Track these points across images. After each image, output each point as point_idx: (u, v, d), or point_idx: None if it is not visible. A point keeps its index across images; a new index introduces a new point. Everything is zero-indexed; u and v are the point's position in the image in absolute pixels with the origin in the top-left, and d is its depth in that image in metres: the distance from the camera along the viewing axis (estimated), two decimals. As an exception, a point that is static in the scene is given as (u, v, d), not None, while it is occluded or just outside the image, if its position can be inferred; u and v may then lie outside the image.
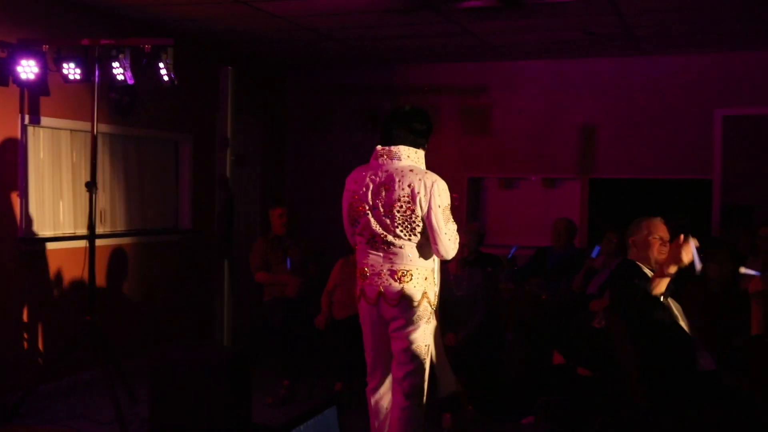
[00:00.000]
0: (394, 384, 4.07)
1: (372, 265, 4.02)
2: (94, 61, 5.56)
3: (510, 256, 7.10)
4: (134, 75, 5.63)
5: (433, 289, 4.03)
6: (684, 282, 4.64)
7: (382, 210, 3.91)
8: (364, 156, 9.79)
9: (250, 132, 8.68)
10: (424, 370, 4.02)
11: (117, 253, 6.88)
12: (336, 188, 9.04)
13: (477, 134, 8.67)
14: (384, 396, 4.20)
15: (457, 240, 3.99)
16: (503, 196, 8.88)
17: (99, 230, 6.44)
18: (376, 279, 3.99)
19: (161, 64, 5.59)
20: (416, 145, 4.01)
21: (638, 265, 4.25)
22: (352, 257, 6.37)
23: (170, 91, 5.92)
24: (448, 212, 3.92)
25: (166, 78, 5.64)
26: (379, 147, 4.05)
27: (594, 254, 6.68)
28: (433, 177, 3.91)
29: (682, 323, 4.10)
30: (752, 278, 4.55)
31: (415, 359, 3.98)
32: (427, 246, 3.97)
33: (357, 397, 5.89)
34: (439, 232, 3.87)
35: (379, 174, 3.96)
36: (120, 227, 7.02)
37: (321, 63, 8.92)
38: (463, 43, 7.63)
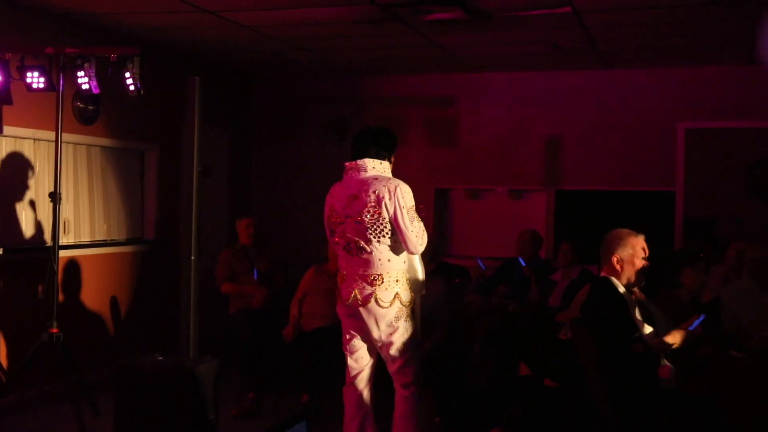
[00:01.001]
0: (393, 378, 4.41)
1: (349, 270, 4.34)
2: (58, 70, 5.48)
3: (484, 268, 7.14)
4: (100, 84, 5.58)
5: (406, 290, 4.32)
6: (656, 290, 4.69)
7: (353, 217, 4.26)
8: (331, 166, 9.78)
9: (217, 142, 8.64)
10: (416, 360, 4.37)
11: (81, 264, 6.80)
12: (303, 198, 9.08)
13: (444, 145, 8.71)
14: (363, 390, 4.49)
15: (425, 236, 4.29)
16: (469, 207, 8.92)
17: (62, 241, 6.35)
18: (352, 282, 4.31)
19: (127, 74, 5.53)
20: (380, 157, 4.36)
21: (613, 284, 4.25)
22: (324, 265, 6.37)
23: (136, 100, 5.86)
24: (413, 212, 4.24)
25: (132, 87, 5.58)
26: (347, 163, 4.40)
27: (523, 263, 6.82)
28: (396, 182, 4.26)
29: (649, 331, 4.13)
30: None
31: (405, 353, 4.33)
32: (396, 249, 4.29)
33: (324, 409, 5.88)
34: (405, 231, 4.20)
35: (350, 186, 4.32)
36: (84, 238, 6.94)
37: (288, 73, 8.91)
38: (430, 55, 7.67)
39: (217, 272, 6.73)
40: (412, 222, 4.20)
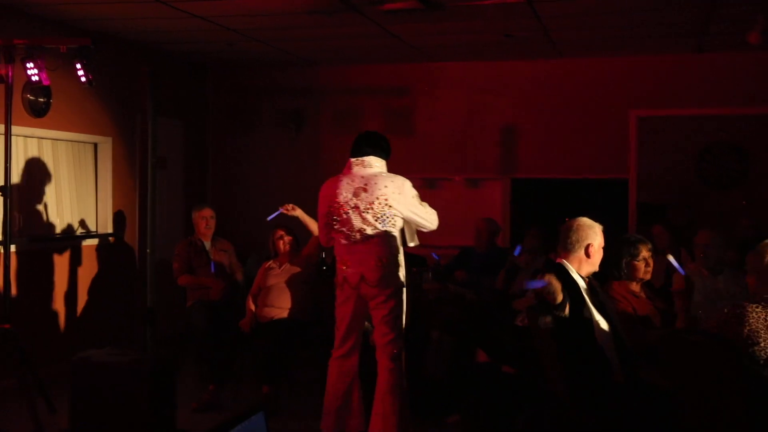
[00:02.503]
0: (378, 350, 4.82)
1: (354, 256, 4.79)
2: (7, 62, 5.38)
3: (437, 259, 7.16)
4: (50, 76, 5.49)
5: (402, 271, 4.88)
6: (607, 279, 4.74)
7: (361, 208, 4.73)
8: (287, 157, 9.73)
9: (171, 133, 8.55)
10: (402, 335, 4.83)
11: (34, 259, 6.69)
12: (259, 189, 9.03)
13: (400, 135, 8.70)
14: (353, 361, 4.92)
15: (434, 214, 4.99)
16: (426, 196, 8.81)
17: (14, 235, 6.24)
18: (358, 266, 4.76)
19: (78, 65, 5.47)
20: (382, 157, 4.94)
21: (568, 270, 4.26)
22: (277, 260, 6.36)
23: (88, 92, 5.79)
24: (417, 199, 4.87)
25: (83, 79, 5.52)
26: (353, 159, 4.87)
27: (516, 253, 6.77)
28: (400, 177, 4.86)
29: (604, 326, 4.17)
30: (676, 273, 4.70)
31: (396, 327, 4.80)
32: (396, 237, 4.84)
33: (284, 400, 5.88)
34: (419, 215, 4.87)
35: (356, 180, 4.80)
36: (37, 231, 6.83)
37: (242, 63, 8.85)
38: (385, 45, 7.67)
39: (174, 265, 6.67)
40: (420, 207, 4.87)
